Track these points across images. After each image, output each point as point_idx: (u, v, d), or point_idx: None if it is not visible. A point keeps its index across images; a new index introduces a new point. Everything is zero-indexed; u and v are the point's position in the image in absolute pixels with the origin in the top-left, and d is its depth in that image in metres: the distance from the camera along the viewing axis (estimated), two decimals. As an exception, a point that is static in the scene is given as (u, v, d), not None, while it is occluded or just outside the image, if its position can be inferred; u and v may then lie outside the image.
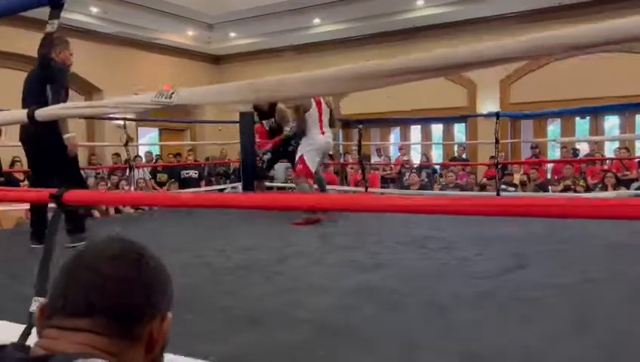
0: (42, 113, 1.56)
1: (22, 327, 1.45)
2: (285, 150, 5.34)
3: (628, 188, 6.34)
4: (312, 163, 4.57)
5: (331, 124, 4.84)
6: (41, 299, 1.40)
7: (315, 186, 4.89)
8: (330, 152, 5.73)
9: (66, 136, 3.36)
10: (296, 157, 4.68)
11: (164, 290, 0.76)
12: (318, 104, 4.63)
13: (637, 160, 7.58)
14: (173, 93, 1.28)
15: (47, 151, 3.39)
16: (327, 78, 1.09)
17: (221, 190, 7.82)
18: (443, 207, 1.07)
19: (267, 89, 1.18)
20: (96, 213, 6.34)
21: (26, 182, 7.49)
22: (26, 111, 1.64)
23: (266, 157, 5.51)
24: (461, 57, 0.91)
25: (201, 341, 1.78)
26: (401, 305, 2.16)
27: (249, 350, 1.74)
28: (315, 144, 4.60)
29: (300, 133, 4.81)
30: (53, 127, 3.29)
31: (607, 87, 8.19)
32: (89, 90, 10.20)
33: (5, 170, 3.80)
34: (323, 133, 4.64)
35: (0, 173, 4.19)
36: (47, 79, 3.19)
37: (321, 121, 4.63)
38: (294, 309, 2.12)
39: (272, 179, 8.27)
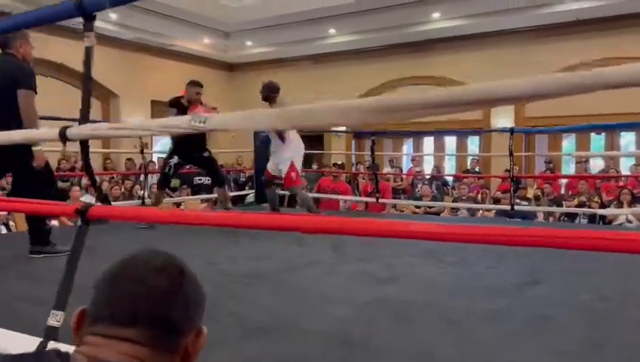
0: (74, 132, 1.58)
1: (34, 340, 1.43)
2: (200, 156, 4.84)
3: (644, 206, 6.26)
4: (300, 169, 4.57)
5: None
6: (60, 313, 1.40)
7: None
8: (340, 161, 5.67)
9: (35, 148, 3.06)
10: (286, 165, 4.49)
11: (201, 305, 0.78)
12: None
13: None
14: (206, 118, 1.30)
15: (7, 159, 3.05)
16: (357, 109, 1.10)
17: (241, 196, 7.86)
18: (460, 235, 1.07)
19: (297, 117, 1.19)
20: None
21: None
22: (57, 130, 1.63)
23: (173, 161, 4.77)
24: (495, 93, 0.92)
25: (211, 349, 1.78)
26: (415, 319, 2.15)
27: (260, 360, 1.73)
28: (300, 150, 4.60)
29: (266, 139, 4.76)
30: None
31: (624, 103, 8.10)
32: (106, 96, 10.32)
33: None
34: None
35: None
36: (19, 83, 2.94)
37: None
38: (306, 320, 2.12)
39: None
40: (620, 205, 6.32)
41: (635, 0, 7.88)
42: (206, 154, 4.87)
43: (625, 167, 8.60)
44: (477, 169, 9.60)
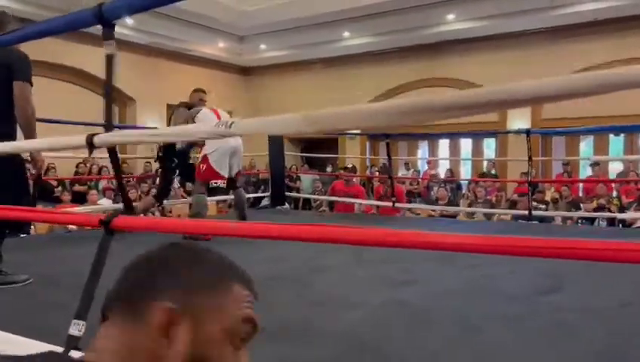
0: (102, 140, 1.58)
1: (57, 349, 1.42)
2: (185, 163, 4.71)
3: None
4: (222, 166, 4.25)
5: None
6: (81, 322, 1.41)
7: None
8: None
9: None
10: (199, 159, 4.34)
11: (180, 269, 0.64)
12: (215, 111, 4.40)
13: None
14: (232, 123, 1.30)
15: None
16: (384, 111, 1.09)
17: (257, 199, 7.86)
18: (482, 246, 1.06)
19: (324, 121, 1.18)
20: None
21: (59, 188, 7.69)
22: (84, 136, 1.63)
23: (175, 176, 4.79)
24: (523, 93, 0.91)
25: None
26: (431, 323, 2.13)
27: (278, 361, 1.74)
28: (224, 146, 4.24)
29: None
30: (10, 136, 2.72)
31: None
32: (123, 100, 10.44)
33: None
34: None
35: (39, 180, 3.75)
36: (15, 74, 2.66)
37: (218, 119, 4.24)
38: (323, 323, 2.11)
39: (296, 190, 8.25)
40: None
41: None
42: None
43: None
44: (493, 171, 9.53)
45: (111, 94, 1.62)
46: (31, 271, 2.82)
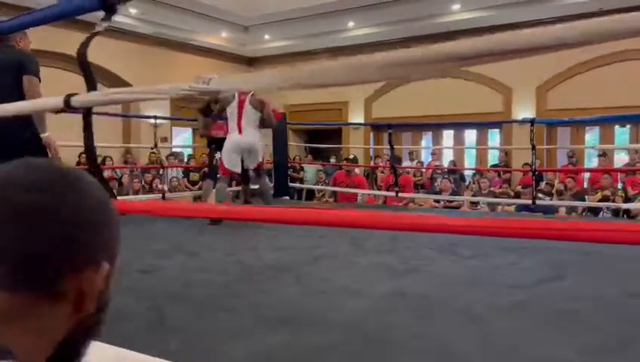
0: (79, 100, 1.56)
1: None
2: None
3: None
4: (227, 160, 4.73)
5: (266, 125, 4.93)
6: None
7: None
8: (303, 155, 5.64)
9: (44, 135, 3.11)
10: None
11: (96, 234, 0.56)
12: (241, 103, 4.69)
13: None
14: (211, 79, 1.28)
15: (20, 153, 2.94)
16: (368, 65, 1.07)
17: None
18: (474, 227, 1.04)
19: (305, 77, 1.16)
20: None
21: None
22: (62, 98, 1.62)
23: (218, 155, 5.17)
24: (516, 42, 0.89)
25: (230, 339, 1.79)
26: (434, 312, 2.13)
27: (279, 350, 1.73)
28: (230, 143, 4.71)
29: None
30: (28, 124, 3.03)
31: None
32: (126, 90, 10.43)
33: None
34: (240, 132, 4.71)
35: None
36: (24, 69, 3.03)
37: (239, 119, 4.70)
38: (326, 311, 2.11)
39: (300, 180, 8.28)
40: (645, 199, 6.18)
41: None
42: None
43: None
44: (503, 164, 9.47)
45: (87, 62, 1.60)
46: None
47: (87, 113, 1.67)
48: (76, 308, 0.55)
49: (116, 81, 9.75)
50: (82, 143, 1.71)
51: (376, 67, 1.04)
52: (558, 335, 1.86)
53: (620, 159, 8.87)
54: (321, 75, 1.15)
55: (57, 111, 1.70)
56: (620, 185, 7.40)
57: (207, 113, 5.26)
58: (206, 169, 6.13)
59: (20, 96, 2.91)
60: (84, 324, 0.56)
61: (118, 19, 9.52)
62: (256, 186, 5.22)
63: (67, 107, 1.58)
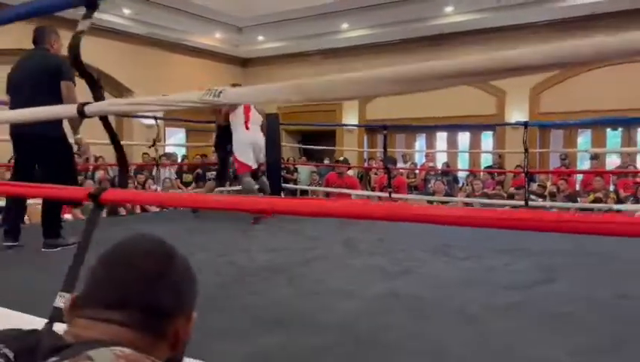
0: (92, 109, 1.56)
1: (41, 321, 1.42)
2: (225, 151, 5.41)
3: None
4: (246, 158, 4.83)
5: (263, 131, 5.09)
6: (67, 295, 1.39)
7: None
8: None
9: (77, 136, 3.27)
10: (232, 159, 5.05)
11: (192, 290, 0.77)
12: (247, 107, 4.85)
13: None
14: (221, 91, 1.28)
15: (47, 151, 3.20)
16: (378, 80, 1.06)
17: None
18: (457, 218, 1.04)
19: (315, 90, 1.16)
20: (122, 211, 6.43)
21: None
22: (75, 106, 1.63)
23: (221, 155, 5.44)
24: (520, 60, 0.88)
25: (224, 340, 1.78)
26: (428, 313, 2.12)
27: (273, 352, 1.72)
28: (243, 139, 4.83)
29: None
30: (58, 127, 3.19)
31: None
32: (120, 91, 10.38)
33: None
34: (248, 128, 4.87)
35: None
36: (62, 75, 3.12)
37: (247, 119, 4.86)
38: (319, 313, 2.10)
39: (294, 181, 8.28)
40: (637, 201, 6.22)
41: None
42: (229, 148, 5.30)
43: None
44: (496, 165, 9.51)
45: (84, 69, 1.60)
46: (25, 260, 2.80)
47: (104, 120, 1.68)
48: (171, 348, 0.72)
49: (109, 81, 9.70)
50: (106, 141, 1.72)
51: (387, 81, 1.03)
52: (552, 336, 1.86)
53: (612, 162, 8.93)
54: (330, 89, 1.15)
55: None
56: (612, 188, 7.45)
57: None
58: (199, 170, 6.14)
59: (55, 100, 2.98)
60: (171, 361, 0.73)
61: (111, 19, 9.47)
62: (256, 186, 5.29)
63: (81, 115, 1.59)
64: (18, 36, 5.37)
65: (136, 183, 7.56)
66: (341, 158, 9.01)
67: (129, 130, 10.18)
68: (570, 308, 2.15)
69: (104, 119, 1.66)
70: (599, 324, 1.98)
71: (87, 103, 1.57)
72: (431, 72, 0.95)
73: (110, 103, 1.62)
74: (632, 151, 8.54)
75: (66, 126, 3.33)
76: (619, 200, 6.68)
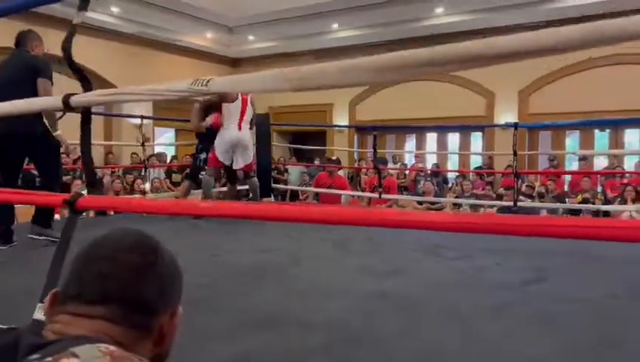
0: (78, 100, 1.54)
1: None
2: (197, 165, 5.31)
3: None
4: (221, 153, 4.75)
5: (252, 125, 5.04)
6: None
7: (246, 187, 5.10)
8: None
9: (56, 132, 3.35)
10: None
11: (177, 286, 0.76)
12: (244, 101, 4.78)
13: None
14: (209, 80, 1.26)
15: (31, 143, 3.30)
16: (368, 67, 1.06)
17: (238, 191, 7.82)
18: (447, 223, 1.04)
19: (304, 77, 1.15)
20: (110, 211, 6.37)
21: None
22: (60, 97, 1.61)
23: (203, 156, 5.23)
24: (500, 47, 0.88)
25: (215, 340, 1.76)
26: (418, 312, 2.12)
27: (264, 352, 1.71)
28: (229, 136, 4.75)
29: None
30: (41, 123, 3.27)
31: (628, 99, 8.06)
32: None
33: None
34: (239, 127, 4.77)
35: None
36: (39, 73, 3.21)
37: (242, 115, 4.78)
38: (310, 313, 2.09)
39: (284, 182, 8.27)
40: (624, 202, 6.28)
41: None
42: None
43: (628, 165, 8.54)
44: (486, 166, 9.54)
45: (73, 63, 1.58)
46: (13, 260, 2.76)
47: (85, 113, 1.65)
48: (156, 344, 0.71)
49: (98, 80, 9.62)
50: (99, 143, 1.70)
51: (370, 69, 1.03)
52: (541, 336, 1.87)
53: (599, 164, 9.00)
54: (316, 77, 1.14)
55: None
56: (599, 188, 7.52)
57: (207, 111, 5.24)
58: (188, 170, 6.08)
59: (33, 96, 3.02)
60: (157, 359, 0.71)
61: (101, 17, 9.39)
62: (245, 187, 5.24)
63: (66, 107, 1.57)
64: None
65: (125, 183, 7.50)
66: (333, 158, 9.01)
67: (118, 130, 10.12)
68: (560, 307, 2.16)
69: (85, 115, 1.63)
70: (588, 324, 1.99)
71: (73, 94, 1.55)
72: (412, 60, 0.95)
73: (96, 94, 1.59)
74: (619, 153, 8.62)
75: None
76: (606, 201, 6.74)
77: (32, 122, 3.14)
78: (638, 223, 0.94)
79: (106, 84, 10.01)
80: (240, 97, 4.78)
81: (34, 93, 3.10)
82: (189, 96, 1.28)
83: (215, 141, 4.84)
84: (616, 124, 8.88)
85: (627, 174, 7.62)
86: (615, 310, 2.18)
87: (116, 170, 8.24)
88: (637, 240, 0.93)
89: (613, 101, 8.25)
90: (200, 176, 5.24)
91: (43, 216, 3.40)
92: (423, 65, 0.94)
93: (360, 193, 7.16)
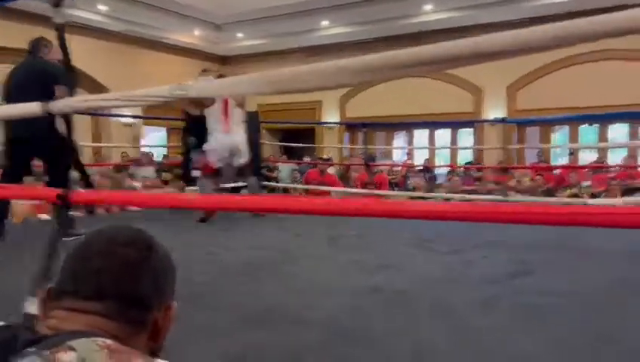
0: (58, 106, 1.54)
1: None
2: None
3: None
4: (215, 158, 4.54)
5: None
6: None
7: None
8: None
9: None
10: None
11: (171, 280, 0.77)
12: (225, 102, 4.52)
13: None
14: (189, 85, 1.27)
15: (44, 151, 3.42)
16: (343, 70, 1.08)
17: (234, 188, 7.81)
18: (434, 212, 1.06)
19: (282, 80, 1.17)
20: (101, 210, 6.33)
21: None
22: (39, 103, 1.62)
23: (192, 140, 5.15)
24: (482, 47, 0.91)
25: (211, 337, 1.77)
26: (409, 307, 2.15)
27: (259, 348, 1.73)
28: (220, 142, 4.52)
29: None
30: (53, 127, 3.28)
31: (614, 95, 8.16)
32: (95, 89, 10.21)
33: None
34: (228, 131, 4.54)
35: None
36: (57, 79, 3.24)
37: (226, 118, 4.54)
38: (304, 309, 2.11)
39: (275, 179, 8.28)
40: (610, 196, 6.37)
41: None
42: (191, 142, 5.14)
43: (613, 159, 8.66)
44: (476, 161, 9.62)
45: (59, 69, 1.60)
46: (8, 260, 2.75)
47: (67, 120, 1.66)
48: (150, 339, 0.71)
49: (86, 81, 9.55)
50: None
51: (353, 71, 1.04)
52: (528, 329, 1.90)
53: (586, 158, 9.11)
54: (299, 79, 1.15)
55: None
56: (588, 183, 7.61)
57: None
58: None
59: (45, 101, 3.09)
60: (152, 353, 0.71)
61: (87, 15, 9.31)
62: (242, 184, 5.19)
63: (46, 113, 1.57)
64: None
65: (114, 182, 7.44)
66: (325, 156, 9.03)
67: (107, 130, 10.05)
68: (546, 300, 2.19)
69: (67, 119, 1.64)
70: (574, 316, 2.03)
71: (52, 101, 1.56)
72: (392, 61, 0.97)
73: (76, 100, 1.60)
74: (605, 146, 8.74)
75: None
76: (593, 196, 6.83)
77: (48, 124, 3.16)
78: (635, 209, 0.97)
79: (92, 82, 9.94)
80: (219, 100, 4.56)
81: (46, 99, 3.12)
82: (171, 101, 1.29)
83: (206, 146, 4.63)
84: (602, 119, 8.98)
85: (613, 168, 7.72)
86: (601, 302, 2.22)
87: (106, 167, 8.17)
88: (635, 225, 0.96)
89: (600, 96, 8.35)
90: (193, 174, 5.15)
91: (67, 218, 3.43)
92: (402, 67, 0.96)
93: (352, 189, 7.18)
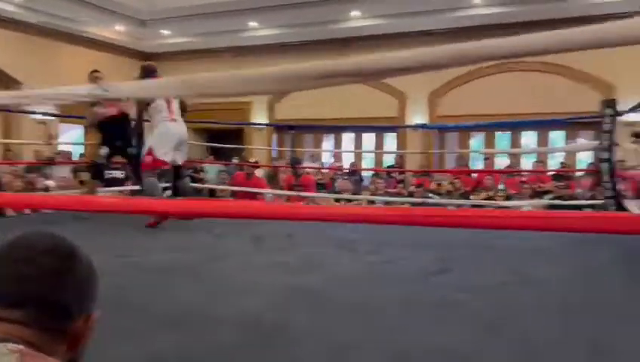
0: None
1: None
2: (125, 149, 4.81)
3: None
4: (163, 153, 4.19)
5: (183, 109, 4.57)
6: None
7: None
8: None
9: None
10: (144, 150, 4.31)
11: (92, 289, 0.76)
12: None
13: (550, 173, 8.11)
14: (109, 88, 1.24)
15: None
16: (262, 78, 1.10)
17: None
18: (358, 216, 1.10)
19: (201, 85, 1.17)
20: (10, 211, 5.94)
21: None
22: None
23: (104, 151, 4.77)
24: (388, 63, 0.95)
25: (121, 342, 1.72)
26: (328, 306, 2.19)
27: (172, 351, 1.70)
28: (168, 131, 4.23)
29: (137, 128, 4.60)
30: None
31: (526, 104, 8.73)
32: (6, 83, 9.57)
33: None
34: (173, 120, 4.27)
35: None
36: None
37: (169, 107, 4.27)
38: (220, 310, 2.09)
39: (201, 181, 8.13)
40: (522, 199, 6.81)
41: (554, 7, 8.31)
42: (132, 150, 4.74)
43: (524, 165, 9.27)
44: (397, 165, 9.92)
45: None
46: None
47: None
48: (70, 348, 0.70)
49: (-4, 72, 8.94)
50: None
51: (273, 79, 1.07)
52: (443, 323, 2.00)
53: (501, 163, 9.67)
54: (216, 85, 1.16)
55: None
56: (501, 186, 8.08)
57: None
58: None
59: None
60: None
61: (0, 5, 8.71)
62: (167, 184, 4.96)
63: None
64: None
65: (26, 181, 7.01)
66: (252, 160, 8.97)
67: (18, 126, 9.45)
68: (460, 296, 2.32)
69: None
70: (482, 309, 2.16)
71: None
72: (311, 72, 1.00)
73: None
74: (516, 152, 9.33)
75: None
76: (507, 198, 7.26)
77: None
78: (528, 213, 1.05)
79: (4, 76, 9.32)
80: None
81: None
82: (90, 100, 1.25)
83: (151, 140, 4.31)
84: (515, 127, 9.57)
85: (525, 173, 8.25)
86: (507, 294, 2.38)
87: (16, 166, 7.67)
88: (526, 228, 1.05)
89: (514, 104, 8.89)
90: (107, 174, 4.92)
91: None
92: (319, 78, 1.00)
93: (278, 191, 7.19)
